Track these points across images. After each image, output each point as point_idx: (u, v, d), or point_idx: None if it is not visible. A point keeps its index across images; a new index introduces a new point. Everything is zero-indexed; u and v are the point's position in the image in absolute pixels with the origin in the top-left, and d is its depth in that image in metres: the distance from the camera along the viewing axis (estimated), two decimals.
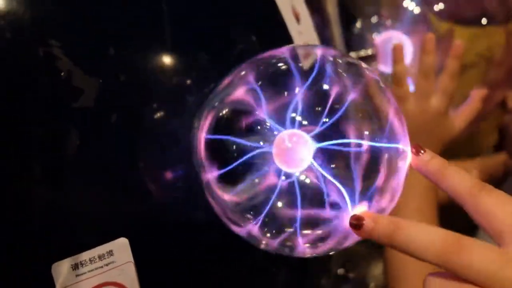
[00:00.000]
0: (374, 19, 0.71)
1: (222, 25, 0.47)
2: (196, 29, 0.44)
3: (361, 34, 0.72)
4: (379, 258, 0.64)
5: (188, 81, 0.42)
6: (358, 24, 0.72)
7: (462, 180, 0.33)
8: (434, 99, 0.61)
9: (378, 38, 0.73)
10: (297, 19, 0.55)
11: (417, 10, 0.67)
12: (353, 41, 0.73)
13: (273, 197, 0.36)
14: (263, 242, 0.38)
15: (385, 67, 0.75)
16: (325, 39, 0.65)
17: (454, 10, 0.72)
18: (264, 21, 0.51)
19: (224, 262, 0.49)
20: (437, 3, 0.69)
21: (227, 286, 0.51)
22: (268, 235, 0.37)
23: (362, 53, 0.73)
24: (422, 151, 0.35)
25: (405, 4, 0.68)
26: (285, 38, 0.53)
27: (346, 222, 0.35)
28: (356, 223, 0.34)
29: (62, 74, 0.36)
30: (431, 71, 0.60)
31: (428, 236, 0.31)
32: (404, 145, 0.37)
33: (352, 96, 0.36)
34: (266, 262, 0.55)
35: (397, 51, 0.61)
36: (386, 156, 0.36)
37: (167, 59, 0.42)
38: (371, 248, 0.62)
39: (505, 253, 0.29)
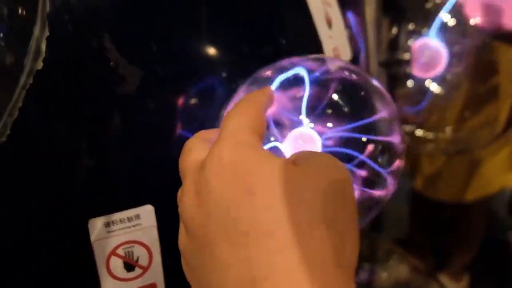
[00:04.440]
0: (411, 26, 0.74)
1: (258, 26, 0.52)
2: (227, 30, 0.50)
3: (396, 40, 0.75)
4: (384, 261, 0.63)
5: (217, 76, 0.48)
6: (394, 30, 0.74)
7: None
8: None
9: (414, 44, 0.76)
10: (329, 24, 0.59)
11: (452, 22, 0.69)
12: (388, 46, 0.76)
13: None
14: None
15: (419, 73, 0.77)
16: (360, 43, 0.69)
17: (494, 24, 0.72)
18: (294, 24, 0.56)
19: None
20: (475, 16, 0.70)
21: None
22: None
23: (397, 58, 0.76)
24: None
25: (441, 14, 0.70)
26: (315, 41, 0.57)
27: None
28: None
29: (111, 63, 0.43)
30: None
31: None
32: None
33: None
34: None
35: None
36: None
37: (198, 57, 0.48)
38: (374, 246, 0.64)
39: None
